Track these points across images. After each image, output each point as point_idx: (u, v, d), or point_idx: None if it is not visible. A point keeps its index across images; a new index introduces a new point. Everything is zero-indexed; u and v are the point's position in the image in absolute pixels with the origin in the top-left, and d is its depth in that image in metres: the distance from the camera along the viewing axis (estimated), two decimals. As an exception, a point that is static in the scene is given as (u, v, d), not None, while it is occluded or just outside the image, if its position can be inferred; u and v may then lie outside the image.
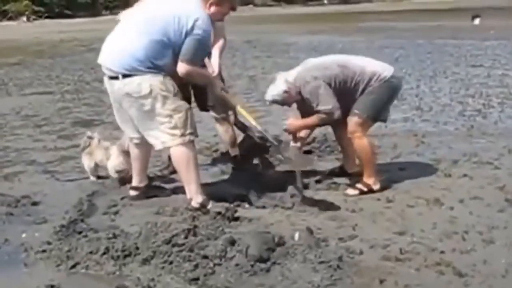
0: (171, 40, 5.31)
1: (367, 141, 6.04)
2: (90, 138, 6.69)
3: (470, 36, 22.17)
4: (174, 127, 5.39)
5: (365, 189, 6.01)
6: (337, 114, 5.88)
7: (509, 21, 28.16)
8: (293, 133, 6.29)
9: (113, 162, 6.40)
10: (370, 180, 6.05)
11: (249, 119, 6.11)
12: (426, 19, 32.38)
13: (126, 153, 6.22)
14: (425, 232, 5.00)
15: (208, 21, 5.37)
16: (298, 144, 6.34)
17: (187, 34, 5.28)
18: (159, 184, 6.30)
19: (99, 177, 6.62)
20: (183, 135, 5.42)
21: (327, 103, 5.85)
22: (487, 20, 28.21)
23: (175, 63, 5.38)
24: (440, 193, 5.92)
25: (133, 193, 5.99)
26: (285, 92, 5.96)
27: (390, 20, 32.70)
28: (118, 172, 6.40)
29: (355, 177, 6.26)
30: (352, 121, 5.96)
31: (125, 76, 5.35)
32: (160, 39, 5.30)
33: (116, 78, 5.42)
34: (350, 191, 6.03)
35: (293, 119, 6.26)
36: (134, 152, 5.91)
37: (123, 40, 5.47)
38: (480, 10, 29.88)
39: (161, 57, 5.34)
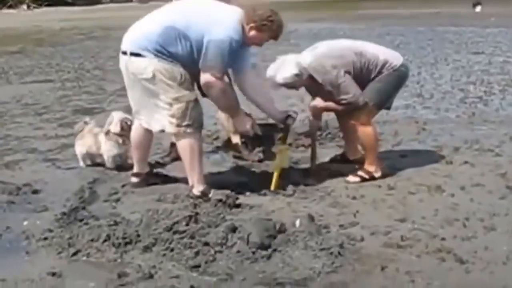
0: (189, 33, 5.26)
1: (372, 128, 6.03)
2: (86, 123, 6.73)
3: (471, 23, 22.12)
4: (172, 116, 5.38)
5: (367, 176, 6.01)
6: (361, 100, 5.85)
7: (510, 8, 28.07)
8: (317, 114, 6.30)
9: (105, 148, 6.45)
10: (371, 168, 6.04)
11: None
12: (426, 6, 32.24)
13: (117, 137, 6.36)
14: (426, 219, 5.00)
15: (235, 30, 5.29)
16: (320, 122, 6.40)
17: (210, 32, 5.21)
18: (161, 171, 6.28)
19: (91, 165, 6.63)
20: (178, 125, 5.39)
21: (350, 92, 5.82)
22: (488, 7, 28.12)
23: (188, 59, 5.33)
24: (441, 180, 5.92)
25: (134, 180, 5.99)
26: (297, 75, 5.89)
27: (390, 7, 32.56)
28: (112, 157, 6.45)
29: (357, 164, 6.26)
30: (358, 108, 5.94)
31: (132, 54, 5.33)
32: (178, 28, 5.25)
33: (125, 53, 5.41)
34: (351, 178, 6.03)
35: (319, 100, 6.21)
36: (135, 138, 5.90)
37: (146, 23, 5.48)
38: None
39: (173, 44, 5.27)
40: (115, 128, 6.36)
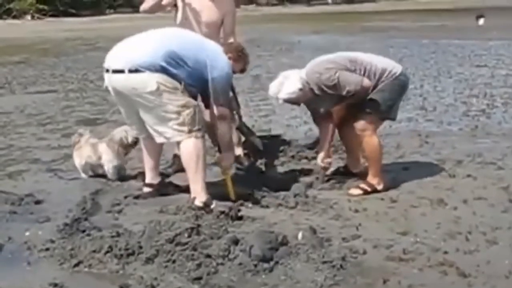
0: (189, 60, 5.43)
1: (377, 140, 6.05)
2: (81, 135, 6.76)
3: (474, 36, 22.14)
4: (182, 124, 5.39)
5: (369, 189, 6.00)
6: (366, 83, 5.87)
7: (513, 21, 28.10)
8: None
9: (106, 158, 6.49)
10: (374, 180, 6.04)
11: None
12: (430, 19, 32.32)
13: (119, 147, 6.46)
14: (429, 232, 4.99)
15: (229, 64, 5.70)
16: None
17: (210, 68, 5.45)
18: (172, 181, 6.28)
19: (94, 176, 6.64)
20: (190, 131, 5.41)
21: (349, 83, 5.83)
22: (490, 20, 28.15)
23: (189, 82, 5.48)
24: (444, 193, 5.92)
25: (146, 190, 6.00)
26: (300, 89, 5.92)
27: (394, 20, 32.64)
28: (113, 167, 6.50)
29: (359, 177, 6.26)
30: (363, 119, 5.95)
31: (131, 71, 5.33)
32: (179, 54, 5.39)
33: (121, 72, 5.40)
34: (354, 191, 6.03)
35: (324, 153, 6.27)
36: (145, 148, 5.93)
37: (142, 43, 5.56)
38: (484, 10, 29.80)
39: (174, 67, 5.36)
40: (129, 139, 6.51)
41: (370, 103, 5.91)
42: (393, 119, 6.36)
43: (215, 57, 5.54)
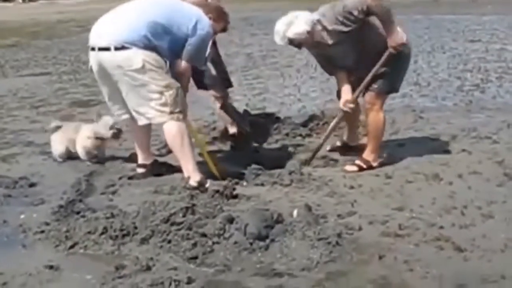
0: (172, 29, 5.43)
1: (382, 117, 6.05)
2: (58, 127, 6.73)
3: (467, 11, 22.07)
4: (164, 104, 5.38)
5: (364, 166, 6.00)
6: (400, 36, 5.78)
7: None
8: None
9: (81, 143, 6.50)
10: (370, 157, 6.03)
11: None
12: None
13: (99, 139, 6.43)
14: (424, 207, 5.00)
15: (209, 25, 5.61)
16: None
17: (189, 31, 5.45)
18: (166, 161, 6.26)
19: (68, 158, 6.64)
20: (172, 112, 5.41)
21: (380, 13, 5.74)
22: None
23: (169, 52, 5.48)
24: (439, 168, 5.92)
25: (140, 170, 5.99)
26: (308, 32, 5.79)
27: (388, -5, 32.51)
28: (85, 151, 6.49)
29: (355, 153, 6.26)
30: (371, 94, 5.95)
31: (117, 48, 5.31)
32: (162, 24, 5.39)
33: (107, 49, 5.37)
34: (349, 167, 6.02)
35: (345, 95, 6.09)
36: (132, 130, 5.94)
37: (122, 17, 5.52)
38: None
39: (158, 39, 5.37)
40: (106, 133, 6.42)
41: (378, 81, 5.89)
42: (397, 91, 6.30)
43: (197, 18, 5.51)
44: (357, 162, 6.05)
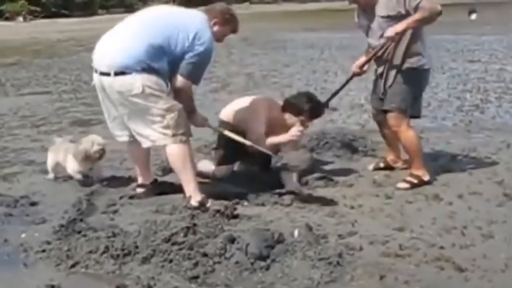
0: (170, 48, 5.36)
1: (413, 133, 6.08)
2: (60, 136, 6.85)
3: (466, 31, 22.17)
4: (166, 127, 5.38)
5: (416, 181, 6.03)
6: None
7: (505, 16, 28.13)
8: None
9: (70, 165, 6.41)
10: (419, 172, 6.07)
11: (240, 139, 6.01)
12: (422, 14, 32.34)
13: (83, 158, 6.28)
14: (425, 227, 5.00)
15: (210, 39, 5.46)
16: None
17: (187, 47, 5.36)
18: (166, 180, 6.26)
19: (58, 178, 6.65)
20: (174, 135, 5.40)
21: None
22: (483, 14, 28.19)
23: (170, 70, 5.45)
24: (439, 188, 5.93)
25: (140, 190, 5.99)
26: None
27: (387, 16, 32.63)
28: (75, 172, 6.41)
29: (358, 172, 6.27)
30: (393, 116, 5.99)
31: (117, 74, 5.32)
32: (159, 44, 5.33)
33: (107, 74, 5.38)
34: (401, 185, 6.05)
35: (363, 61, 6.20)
36: (131, 151, 5.94)
37: (120, 40, 5.47)
38: (476, 5, 29.83)
39: (157, 60, 5.34)
40: (92, 151, 6.31)
41: (395, 100, 5.94)
42: (419, 116, 6.34)
43: (196, 31, 5.39)
44: (408, 179, 6.08)
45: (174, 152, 5.46)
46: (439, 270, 4.27)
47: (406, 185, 6.02)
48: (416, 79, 5.97)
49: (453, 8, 32.00)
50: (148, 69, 5.30)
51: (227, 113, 6.35)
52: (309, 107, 6.12)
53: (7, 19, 41.03)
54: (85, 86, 13.27)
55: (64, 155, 6.47)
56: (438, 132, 8.25)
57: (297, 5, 53.84)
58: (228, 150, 6.30)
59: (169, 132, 5.39)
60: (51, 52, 20.77)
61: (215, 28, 5.61)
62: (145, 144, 5.56)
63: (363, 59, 6.22)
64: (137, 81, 5.28)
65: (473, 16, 28.54)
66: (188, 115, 5.67)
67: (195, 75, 5.52)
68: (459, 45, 18.28)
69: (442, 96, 10.84)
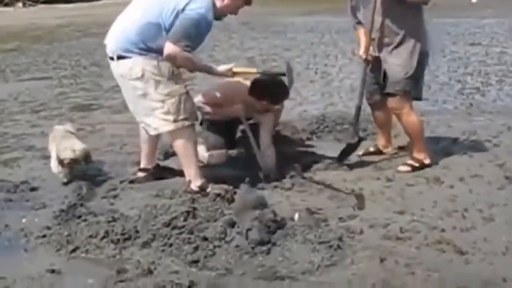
0: (165, 24, 5.24)
1: (415, 116, 6.09)
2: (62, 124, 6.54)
3: (467, 14, 22.08)
4: (167, 112, 5.35)
5: (417, 165, 6.04)
6: None
7: (507, -1, 28.04)
8: None
9: (52, 164, 6.05)
10: (420, 155, 6.08)
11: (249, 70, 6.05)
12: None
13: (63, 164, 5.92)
14: (425, 210, 5.00)
15: (206, 8, 5.23)
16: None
17: (178, 13, 5.19)
18: (168, 166, 6.26)
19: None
20: (175, 120, 5.37)
21: None
22: (484, -2, 28.10)
23: None
24: (440, 171, 5.93)
25: (141, 174, 5.99)
26: None
27: (388, -1, 32.53)
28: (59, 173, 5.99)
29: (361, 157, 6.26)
30: (395, 99, 5.99)
31: (119, 57, 5.34)
32: (155, 22, 5.25)
33: (112, 59, 5.42)
34: (402, 168, 6.06)
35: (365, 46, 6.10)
36: (142, 134, 5.92)
37: (123, 22, 5.48)
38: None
39: (155, 39, 5.26)
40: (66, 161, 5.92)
41: (400, 83, 5.93)
42: (420, 98, 6.31)
43: (190, 1, 5.20)
44: (410, 162, 6.09)
45: (177, 137, 5.45)
46: (440, 253, 4.28)
47: (408, 168, 6.01)
48: (419, 62, 5.94)
49: (453, -9, 31.87)
50: (147, 50, 5.26)
51: (206, 95, 6.29)
52: (270, 92, 6.10)
53: (6, 5, 40.77)
54: (84, 71, 13.23)
55: (52, 149, 6.22)
56: (439, 115, 8.23)
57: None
58: (213, 133, 6.34)
59: (170, 117, 5.36)
60: (51, 38, 20.66)
61: (225, 1, 5.42)
62: (151, 132, 5.56)
63: (364, 42, 6.10)
64: (137, 65, 5.27)
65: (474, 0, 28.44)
66: (209, 73, 5.74)
67: (183, 40, 5.16)
68: (460, 28, 18.20)
69: (443, 79, 10.80)
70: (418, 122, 6.11)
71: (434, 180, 5.70)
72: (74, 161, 5.90)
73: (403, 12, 5.83)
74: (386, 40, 5.94)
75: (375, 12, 5.86)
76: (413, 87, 6.01)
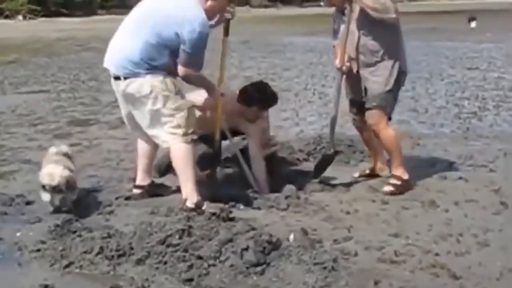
0: (165, 41, 5.35)
1: (392, 131, 6.10)
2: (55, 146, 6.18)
3: (466, 38, 22.20)
4: (177, 126, 5.40)
5: (399, 183, 6.06)
6: (395, 21, 5.86)
7: (505, 23, 28.17)
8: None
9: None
10: (399, 171, 6.09)
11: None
12: (421, 21, 32.42)
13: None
14: (420, 234, 5.00)
15: (203, 21, 5.34)
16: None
17: (181, 35, 5.29)
18: (163, 183, 6.26)
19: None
20: (185, 134, 5.42)
21: (389, 11, 5.78)
22: (482, 22, 28.23)
23: (174, 62, 5.43)
24: (435, 195, 5.93)
25: (136, 191, 5.98)
26: None
27: (386, 22, 32.69)
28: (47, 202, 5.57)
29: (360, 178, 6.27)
30: (373, 113, 6.00)
31: (125, 77, 5.40)
32: (155, 41, 5.34)
33: (117, 78, 5.48)
34: (386, 188, 6.07)
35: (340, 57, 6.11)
36: (140, 149, 5.93)
37: (121, 42, 5.54)
38: (476, 13, 29.87)
39: (157, 58, 5.37)
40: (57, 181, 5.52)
41: (376, 99, 5.95)
42: (390, 118, 6.33)
43: (187, 19, 5.29)
44: (391, 181, 6.10)
45: (179, 152, 5.46)
46: (434, 277, 4.27)
47: (391, 188, 6.04)
48: (396, 81, 5.99)
49: (453, 16, 32.13)
50: (152, 69, 5.36)
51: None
52: (259, 97, 6.14)
53: (7, 17, 40.99)
54: (83, 86, 13.28)
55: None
56: (435, 139, 8.25)
57: (297, 9, 53.88)
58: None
59: (179, 131, 5.40)
60: (50, 51, 20.74)
61: (208, 4, 5.47)
62: (164, 145, 5.60)
63: (339, 54, 6.12)
64: (146, 83, 5.35)
65: (473, 24, 28.58)
66: (208, 92, 5.79)
67: (192, 62, 5.43)
68: (458, 52, 18.31)
69: (440, 103, 10.86)
70: (395, 136, 6.13)
71: (429, 203, 5.70)
72: (54, 189, 5.48)
73: (380, 33, 5.87)
74: (366, 60, 5.97)
75: (355, 34, 5.90)
76: (389, 103, 6.05)
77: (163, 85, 5.36)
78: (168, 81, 5.40)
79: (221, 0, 5.59)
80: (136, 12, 5.66)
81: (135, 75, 5.36)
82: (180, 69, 5.43)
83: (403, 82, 6.17)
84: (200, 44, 5.36)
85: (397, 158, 6.11)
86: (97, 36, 25.14)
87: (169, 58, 5.42)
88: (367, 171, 6.64)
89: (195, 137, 5.49)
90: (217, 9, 5.62)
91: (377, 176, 6.53)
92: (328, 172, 6.50)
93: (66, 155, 6.02)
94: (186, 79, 5.51)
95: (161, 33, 5.35)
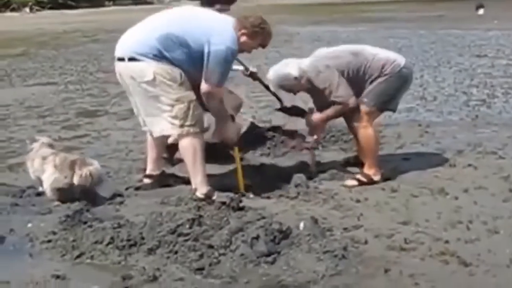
0: (187, 41, 5.36)
1: (372, 131, 6.04)
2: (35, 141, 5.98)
3: (474, 26, 22.11)
4: (174, 117, 5.41)
5: (365, 180, 6.01)
6: (352, 102, 5.90)
7: (513, 11, 28.06)
8: (316, 126, 6.29)
9: (48, 178, 5.59)
10: (370, 171, 6.05)
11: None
12: (428, 9, 32.30)
13: (68, 166, 5.55)
14: (430, 221, 5.01)
15: (231, 41, 5.38)
16: (315, 136, 6.35)
17: (207, 43, 5.31)
18: (174, 172, 6.27)
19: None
20: (182, 126, 5.42)
21: (341, 92, 5.86)
22: (490, 9, 28.11)
23: (187, 64, 5.42)
24: (444, 182, 5.93)
25: (147, 181, 6.00)
26: (295, 78, 5.94)
27: (392, 10, 32.61)
28: (54, 189, 5.56)
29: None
30: (361, 108, 5.97)
31: (130, 59, 5.39)
32: (176, 36, 5.35)
33: (122, 60, 5.47)
34: (349, 182, 6.03)
35: (317, 113, 6.21)
36: (149, 140, 5.93)
37: (140, 31, 5.56)
38: (484, 0, 29.73)
39: (172, 50, 5.36)
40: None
41: (368, 95, 5.93)
42: (393, 110, 6.37)
43: (217, 31, 5.38)
44: (358, 176, 6.07)
45: (184, 143, 5.49)
46: (443, 264, 4.28)
47: (355, 182, 6.02)
48: (395, 79, 6.00)
49: (460, 3, 31.99)
50: (160, 57, 5.35)
51: None
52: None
53: (13, 10, 40.95)
54: (91, 77, 13.28)
55: (39, 165, 5.72)
56: (444, 127, 8.24)
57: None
58: None
59: (176, 122, 5.41)
60: (57, 43, 20.74)
61: (242, 39, 5.54)
62: (155, 133, 5.60)
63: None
64: (149, 69, 5.34)
65: (481, 11, 28.44)
66: (220, 124, 5.74)
67: (216, 78, 5.41)
68: (466, 40, 18.23)
69: (449, 90, 10.83)
70: (373, 138, 6.09)
71: (438, 191, 5.70)
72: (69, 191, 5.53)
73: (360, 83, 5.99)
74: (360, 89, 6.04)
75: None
76: (380, 103, 6.02)
77: (166, 74, 5.35)
78: (173, 70, 5.38)
79: (256, 41, 5.68)
80: (170, 12, 5.72)
81: (141, 57, 5.34)
82: (203, 85, 5.41)
83: (404, 79, 6.12)
84: (224, 59, 5.37)
85: (371, 158, 6.09)
86: (104, 27, 25.14)
87: (185, 58, 5.41)
88: (352, 159, 6.66)
89: (193, 130, 5.45)
90: (247, 47, 5.69)
91: (362, 163, 6.51)
92: (338, 161, 6.51)
93: (50, 145, 5.96)
94: (207, 96, 5.46)
95: (189, 31, 5.38)
